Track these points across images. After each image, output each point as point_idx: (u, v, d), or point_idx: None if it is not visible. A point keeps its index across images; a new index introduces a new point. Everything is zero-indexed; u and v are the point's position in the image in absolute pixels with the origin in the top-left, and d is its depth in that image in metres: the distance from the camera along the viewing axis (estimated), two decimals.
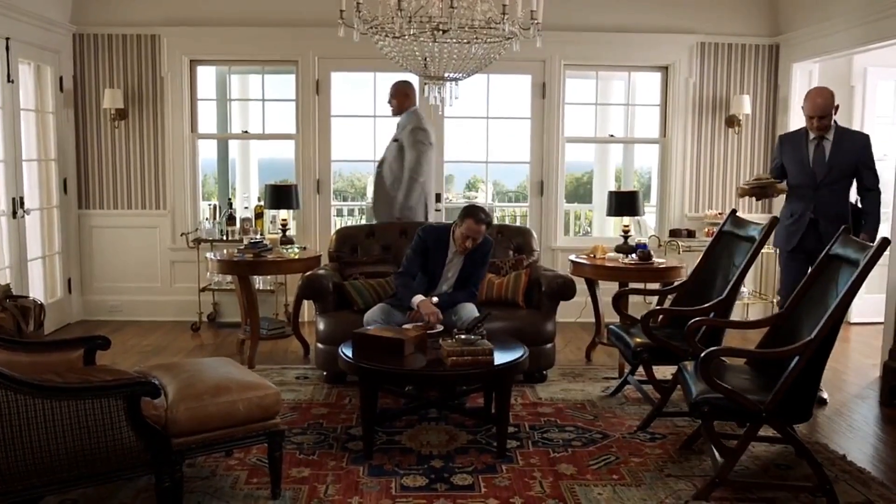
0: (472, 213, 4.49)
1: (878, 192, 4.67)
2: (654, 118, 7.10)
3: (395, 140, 5.76)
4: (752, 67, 6.84)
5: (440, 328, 4.25)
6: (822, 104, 4.62)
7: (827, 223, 4.56)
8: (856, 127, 6.72)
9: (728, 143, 6.89)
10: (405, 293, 4.53)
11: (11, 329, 4.60)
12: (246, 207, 8.06)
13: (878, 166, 6.77)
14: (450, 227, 4.68)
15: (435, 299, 4.51)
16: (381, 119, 6.97)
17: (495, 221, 8.11)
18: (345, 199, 11.46)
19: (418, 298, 4.44)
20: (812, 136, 4.72)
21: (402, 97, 5.81)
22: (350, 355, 3.88)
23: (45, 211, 6.42)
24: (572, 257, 5.70)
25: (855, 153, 4.64)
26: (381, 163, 5.83)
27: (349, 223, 9.12)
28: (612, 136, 7.92)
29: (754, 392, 3.35)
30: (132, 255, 6.77)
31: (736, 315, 6.06)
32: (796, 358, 3.20)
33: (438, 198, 6.82)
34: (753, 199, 5.76)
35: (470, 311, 4.52)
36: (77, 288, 6.76)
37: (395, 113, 5.83)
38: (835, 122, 4.69)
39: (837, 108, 4.67)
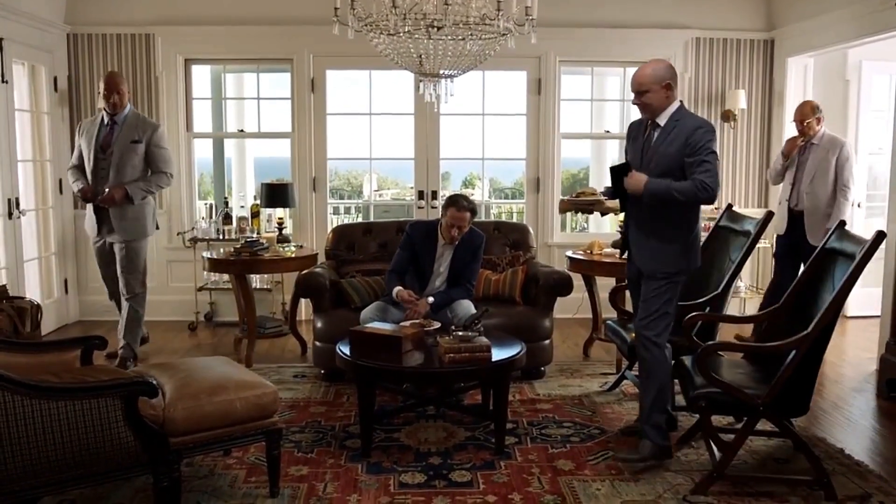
0: (455, 201, 4.56)
1: (699, 188, 3.36)
2: None
3: (134, 141, 5.15)
4: (747, 62, 6.84)
5: (437, 325, 4.25)
6: (637, 76, 3.55)
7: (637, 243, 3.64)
8: (850, 122, 6.76)
9: (724, 138, 6.88)
10: (389, 289, 4.60)
11: (8, 330, 4.60)
12: (242, 206, 8.06)
13: (873, 161, 6.86)
14: (437, 221, 4.71)
15: (431, 299, 4.52)
16: (378, 116, 6.98)
17: (492, 218, 8.15)
18: (341, 198, 11.47)
19: (396, 289, 4.52)
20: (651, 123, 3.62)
21: (124, 90, 5.20)
22: (347, 353, 3.88)
23: (41, 211, 6.41)
24: (569, 253, 5.70)
25: (680, 145, 3.43)
26: (116, 167, 5.13)
27: (345, 221, 9.11)
28: (607, 131, 7.91)
29: (751, 386, 3.35)
30: None
31: (733, 310, 6.06)
32: (793, 352, 3.21)
33: (434, 195, 6.84)
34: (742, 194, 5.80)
35: (467, 307, 4.53)
36: (73, 288, 6.75)
37: (118, 108, 5.14)
38: (680, 103, 3.56)
39: (668, 85, 3.47)
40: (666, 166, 3.47)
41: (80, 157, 5.25)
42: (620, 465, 3.61)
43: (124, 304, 5.27)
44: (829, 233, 3.61)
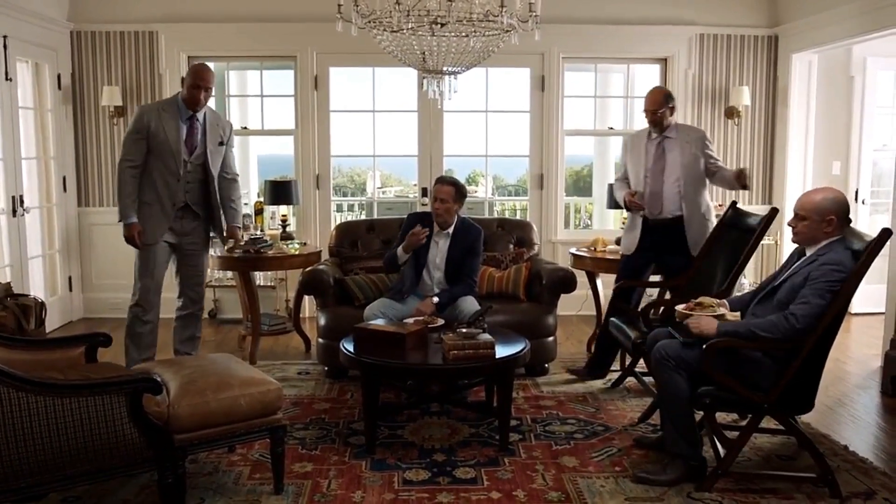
0: (440, 178, 4.79)
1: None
2: None
3: (221, 143, 4.77)
4: (751, 58, 6.82)
5: (441, 322, 4.25)
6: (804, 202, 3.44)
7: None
8: (855, 118, 6.77)
9: (728, 135, 6.88)
10: (392, 255, 4.68)
11: (13, 327, 4.61)
12: (245, 204, 8.05)
13: (878, 157, 6.85)
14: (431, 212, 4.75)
15: (435, 299, 4.52)
16: (381, 114, 6.97)
17: (495, 215, 8.15)
18: (344, 195, 11.47)
19: (400, 248, 4.62)
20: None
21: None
22: (351, 350, 3.89)
23: (45, 209, 6.42)
24: (573, 250, 5.70)
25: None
26: (204, 175, 4.68)
27: (349, 218, 9.11)
28: (611, 128, 7.90)
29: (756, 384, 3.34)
30: (132, 252, 6.71)
31: None
32: (798, 348, 3.20)
33: None
34: (747, 192, 5.58)
35: (471, 304, 4.52)
36: (78, 285, 6.76)
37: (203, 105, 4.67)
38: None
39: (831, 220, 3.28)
40: None
41: (145, 152, 4.53)
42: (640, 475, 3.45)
43: (187, 316, 4.91)
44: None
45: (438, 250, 4.69)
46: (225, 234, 4.90)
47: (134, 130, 4.56)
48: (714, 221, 4.74)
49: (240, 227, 5.03)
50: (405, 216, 4.98)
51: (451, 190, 4.59)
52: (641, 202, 4.70)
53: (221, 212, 4.82)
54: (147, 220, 4.62)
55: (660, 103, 4.67)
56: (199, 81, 4.52)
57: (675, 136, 4.70)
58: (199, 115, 4.63)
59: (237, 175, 4.99)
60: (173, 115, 4.56)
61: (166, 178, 4.58)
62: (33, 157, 6.24)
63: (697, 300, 3.54)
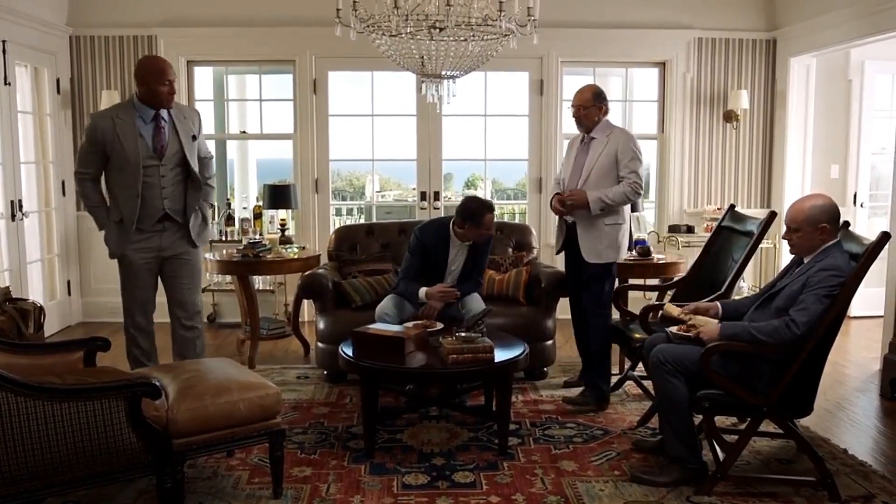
0: (485, 206, 4.53)
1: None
2: (651, 114, 7.10)
3: (194, 137, 4.29)
4: (749, 62, 6.83)
5: (440, 326, 4.25)
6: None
7: None
8: (853, 121, 6.78)
9: (726, 139, 6.88)
10: (411, 293, 4.57)
11: (11, 332, 4.61)
12: (244, 208, 8.06)
13: (876, 160, 6.87)
14: (447, 222, 4.67)
15: (457, 293, 4.55)
16: (380, 118, 6.98)
17: (494, 219, 8.15)
18: (343, 199, 11.47)
19: (423, 290, 4.53)
20: None
21: None
22: (350, 354, 3.88)
23: (44, 213, 6.42)
24: None
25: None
26: (184, 174, 4.24)
27: (348, 222, 9.12)
28: None
29: (755, 387, 3.34)
30: None
31: None
32: (798, 353, 3.20)
33: (437, 196, 6.84)
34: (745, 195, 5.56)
35: (477, 301, 4.56)
36: (76, 290, 6.75)
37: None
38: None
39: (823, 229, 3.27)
40: None
41: (102, 163, 4.16)
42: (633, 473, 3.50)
43: (184, 335, 4.52)
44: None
45: (456, 260, 4.69)
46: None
47: (89, 144, 4.15)
48: (621, 229, 4.45)
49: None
50: (403, 220, 4.96)
51: (494, 217, 4.61)
52: (563, 206, 4.42)
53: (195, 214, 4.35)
54: (112, 235, 4.27)
55: (586, 101, 4.38)
56: (167, 78, 4.08)
57: (599, 137, 4.40)
58: (164, 112, 4.16)
59: (211, 154, 4.51)
60: (130, 122, 4.07)
61: (128, 191, 4.12)
62: (32, 161, 6.24)
63: (689, 321, 3.49)
